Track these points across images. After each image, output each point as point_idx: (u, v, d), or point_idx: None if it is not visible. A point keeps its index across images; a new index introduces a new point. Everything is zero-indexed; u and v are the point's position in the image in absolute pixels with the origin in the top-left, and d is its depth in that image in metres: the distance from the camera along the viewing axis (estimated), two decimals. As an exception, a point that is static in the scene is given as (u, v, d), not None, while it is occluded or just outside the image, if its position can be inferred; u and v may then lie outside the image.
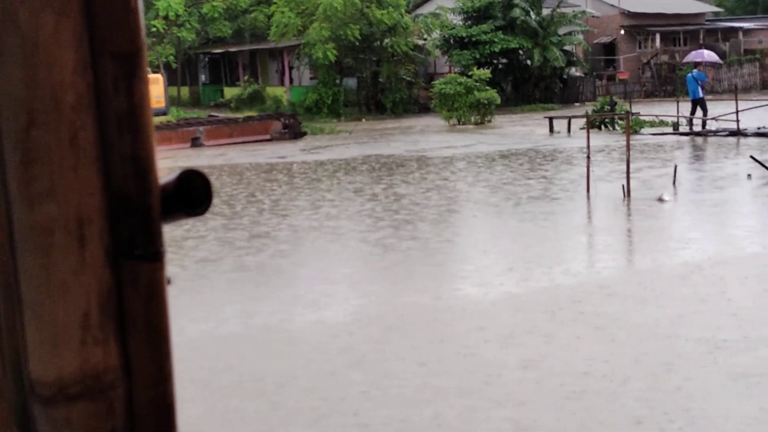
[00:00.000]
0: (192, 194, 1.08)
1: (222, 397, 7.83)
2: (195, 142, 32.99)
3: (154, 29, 44.88)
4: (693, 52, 47.36)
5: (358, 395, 7.70)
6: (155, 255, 1.06)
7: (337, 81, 45.82)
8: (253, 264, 13.25)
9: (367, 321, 10.03)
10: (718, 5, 67.58)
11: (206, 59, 55.22)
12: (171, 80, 48.89)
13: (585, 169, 18.61)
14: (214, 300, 11.21)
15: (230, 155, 29.53)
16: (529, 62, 48.18)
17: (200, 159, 28.65)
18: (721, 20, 63.52)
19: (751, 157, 20.36)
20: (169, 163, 25.72)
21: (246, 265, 13.19)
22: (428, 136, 33.86)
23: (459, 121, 38.14)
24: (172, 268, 12.60)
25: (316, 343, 9.28)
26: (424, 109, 45.43)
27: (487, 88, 38.55)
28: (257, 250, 14.23)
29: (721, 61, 51.64)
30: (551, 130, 33.17)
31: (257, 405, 7.61)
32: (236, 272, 12.79)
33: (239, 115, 39.79)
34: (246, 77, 50.00)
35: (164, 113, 39.92)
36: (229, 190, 20.95)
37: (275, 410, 7.47)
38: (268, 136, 34.51)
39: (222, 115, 41.38)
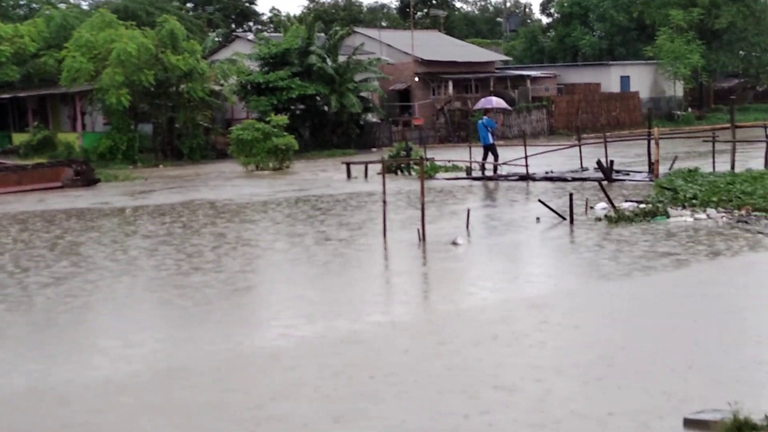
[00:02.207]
0: None
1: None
2: (-20, 190, 31.62)
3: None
4: (482, 99, 48.87)
5: None
6: None
7: (132, 127, 44.88)
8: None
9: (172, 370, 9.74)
10: (507, 54, 70.17)
11: (-7, 104, 53.14)
12: (-45, 126, 46.76)
13: (381, 214, 18.81)
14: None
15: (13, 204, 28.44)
16: (326, 108, 48.58)
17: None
18: (510, 68, 65.99)
19: (540, 200, 21.08)
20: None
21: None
22: (228, 183, 33.54)
23: (257, 167, 37.98)
24: None
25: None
26: (221, 155, 45.02)
27: (285, 134, 38.56)
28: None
29: (510, 108, 53.50)
30: (348, 175, 33.46)
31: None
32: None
33: (29, 162, 38.37)
34: (36, 123, 48.30)
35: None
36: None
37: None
38: (59, 183, 33.41)
39: (10, 162, 39.78)
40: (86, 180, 34.09)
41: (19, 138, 48.45)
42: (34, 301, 13.85)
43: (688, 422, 7.57)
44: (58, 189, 32.75)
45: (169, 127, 45.90)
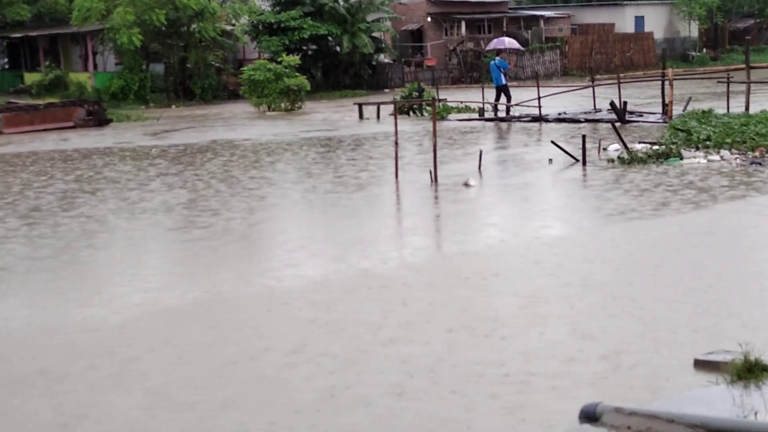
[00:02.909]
0: None
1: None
2: (-7, 130, 31.72)
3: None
4: (495, 40, 48.48)
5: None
6: None
7: (144, 67, 44.75)
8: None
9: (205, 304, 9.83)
10: (520, -6, 69.55)
11: (4, 44, 52.92)
12: (-34, 65, 46.74)
13: (393, 155, 18.78)
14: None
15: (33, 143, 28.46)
16: (338, 49, 48.33)
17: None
18: (523, 8, 65.40)
19: (552, 142, 21.00)
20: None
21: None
22: (243, 123, 33.50)
23: (269, 108, 37.90)
24: None
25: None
26: (233, 96, 44.95)
27: (297, 74, 38.41)
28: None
29: (522, 48, 53.09)
30: (361, 116, 33.38)
31: (56, 405, 7.30)
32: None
33: (41, 102, 38.36)
34: (47, 63, 48.19)
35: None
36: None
37: None
38: (71, 123, 33.45)
39: (22, 101, 39.78)
40: (98, 120, 34.11)
41: (30, 78, 48.37)
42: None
43: (698, 363, 7.60)
44: (70, 129, 32.77)
45: (181, 67, 45.76)
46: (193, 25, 44.39)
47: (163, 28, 43.22)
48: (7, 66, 53.32)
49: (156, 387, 7.66)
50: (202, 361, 8.26)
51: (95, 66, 47.42)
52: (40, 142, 28.96)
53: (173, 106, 42.91)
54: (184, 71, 45.90)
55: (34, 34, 49.17)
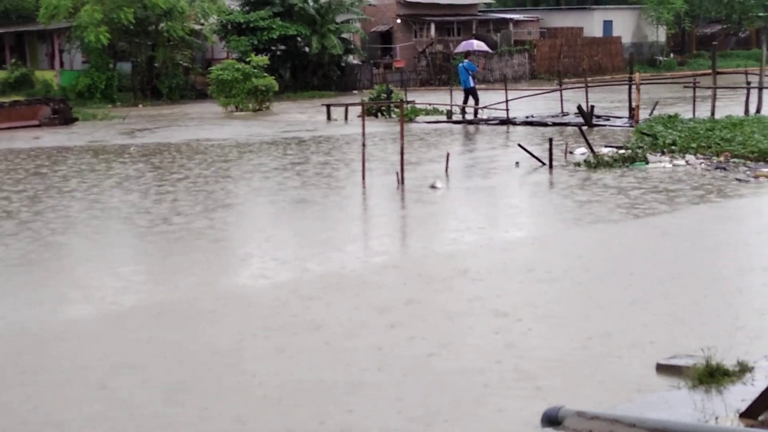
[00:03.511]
0: None
1: None
2: (-44, 128, 31.38)
3: None
4: (463, 43, 48.53)
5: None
6: None
7: (111, 65, 44.42)
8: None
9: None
10: (490, -4, 69.68)
11: (-30, 41, 52.43)
12: (-70, 62, 46.17)
13: (360, 157, 18.75)
14: None
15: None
16: (307, 49, 48.21)
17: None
18: (492, 11, 65.52)
19: (519, 145, 21.03)
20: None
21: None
22: (212, 124, 33.34)
23: (237, 108, 37.74)
24: None
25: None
26: (201, 95, 44.73)
27: (265, 74, 38.27)
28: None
29: (491, 51, 53.21)
30: (329, 117, 33.31)
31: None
32: None
33: (6, 100, 37.98)
34: (13, 60, 47.71)
35: None
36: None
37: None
38: (36, 122, 33.15)
39: (-14, 99, 39.40)
40: (64, 119, 33.83)
41: (-4, 75, 47.90)
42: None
43: (660, 367, 7.62)
44: (36, 127, 32.48)
45: (149, 66, 45.51)
46: (162, 24, 44.13)
47: (131, 27, 42.92)
48: (-28, 63, 52.79)
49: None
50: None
51: (62, 64, 47.05)
52: (8, 141, 28.65)
53: (140, 105, 42.65)
54: (151, 70, 45.65)
55: (0, 31, 48.73)
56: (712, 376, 7.17)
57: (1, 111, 33.28)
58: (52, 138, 29.03)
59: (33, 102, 35.47)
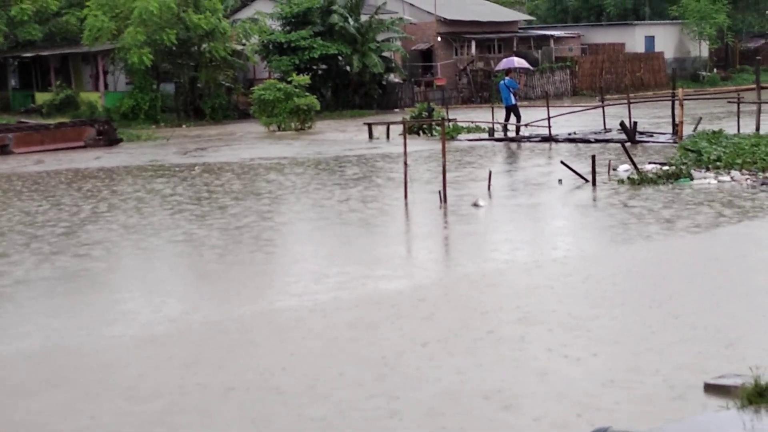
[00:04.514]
0: None
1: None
2: (3, 150, 31.78)
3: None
4: (504, 60, 48.44)
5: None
6: None
7: (154, 86, 44.86)
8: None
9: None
10: (530, 13, 69.64)
11: (15, 63, 53.11)
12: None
13: (402, 175, 18.76)
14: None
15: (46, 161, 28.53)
16: (348, 68, 48.40)
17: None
18: (533, 28, 65.48)
19: (562, 162, 20.94)
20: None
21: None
22: (254, 143, 33.53)
23: (279, 128, 37.94)
24: None
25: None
26: (243, 115, 45.03)
27: (307, 94, 38.46)
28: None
29: (531, 68, 53.11)
30: (370, 136, 33.39)
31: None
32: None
33: (51, 122, 38.45)
34: (58, 82, 48.34)
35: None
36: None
37: None
38: (81, 143, 33.52)
39: (33, 121, 39.88)
40: (109, 140, 34.18)
41: (41, 97, 48.49)
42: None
43: (709, 387, 7.54)
44: (81, 148, 32.83)
45: (191, 86, 45.91)
46: (204, 45, 44.52)
47: (174, 48, 43.37)
48: (18, 86, 53.52)
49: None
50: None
51: (106, 86, 47.57)
52: (67, 162, 28.97)
53: (183, 126, 42.99)
54: (194, 91, 46.04)
55: (45, 53, 49.33)
56: (761, 396, 7.07)
57: (47, 132, 33.71)
58: (112, 158, 29.30)
59: (78, 123, 35.90)
